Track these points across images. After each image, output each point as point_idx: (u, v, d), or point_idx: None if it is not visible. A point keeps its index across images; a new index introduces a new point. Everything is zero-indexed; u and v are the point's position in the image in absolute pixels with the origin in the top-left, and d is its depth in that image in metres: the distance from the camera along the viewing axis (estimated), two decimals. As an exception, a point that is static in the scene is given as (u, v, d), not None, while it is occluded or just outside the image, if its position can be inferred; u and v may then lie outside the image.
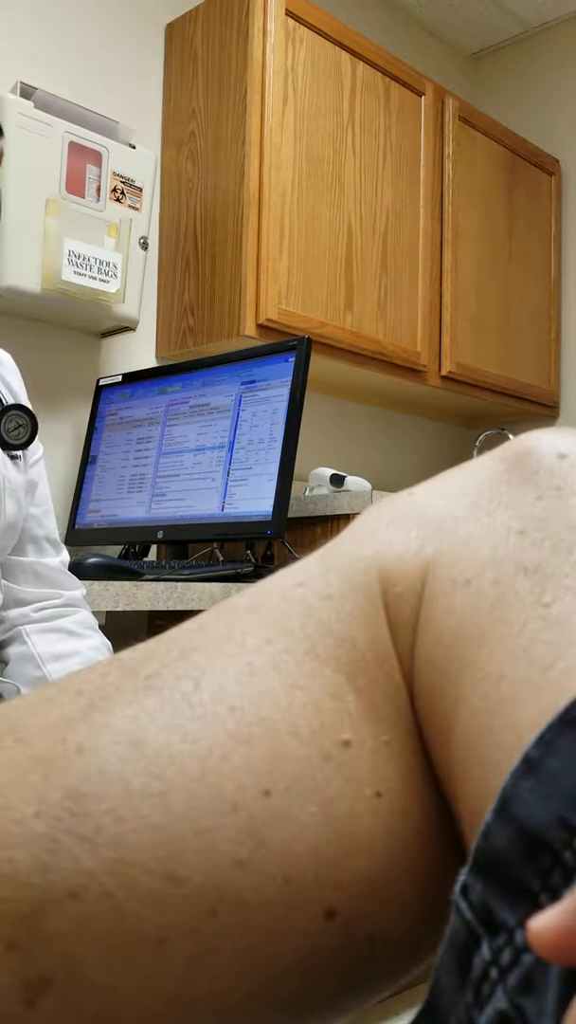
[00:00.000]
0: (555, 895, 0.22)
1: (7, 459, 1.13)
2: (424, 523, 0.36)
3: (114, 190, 1.96)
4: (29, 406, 1.18)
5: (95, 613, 1.30)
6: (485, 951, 0.23)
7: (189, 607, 1.57)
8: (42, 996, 0.27)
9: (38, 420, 1.17)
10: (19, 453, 1.15)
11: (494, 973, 0.23)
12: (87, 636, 1.20)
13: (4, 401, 1.17)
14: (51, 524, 1.24)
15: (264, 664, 0.32)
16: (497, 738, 0.29)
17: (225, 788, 0.29)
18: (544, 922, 0.20)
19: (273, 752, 0.30)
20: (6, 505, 1.10)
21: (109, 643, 1.23)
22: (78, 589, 1.25)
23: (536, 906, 0.23)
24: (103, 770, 0.29)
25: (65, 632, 1.18)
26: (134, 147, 2.02)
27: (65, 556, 1.26)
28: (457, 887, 0.25)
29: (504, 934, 0.23)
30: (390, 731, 0.32)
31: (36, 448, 1.21)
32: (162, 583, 1.54)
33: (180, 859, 0.28)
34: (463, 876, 0.25)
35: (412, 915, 0.31)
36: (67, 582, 1.24)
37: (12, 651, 1.16)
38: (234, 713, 0.31)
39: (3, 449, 1.12)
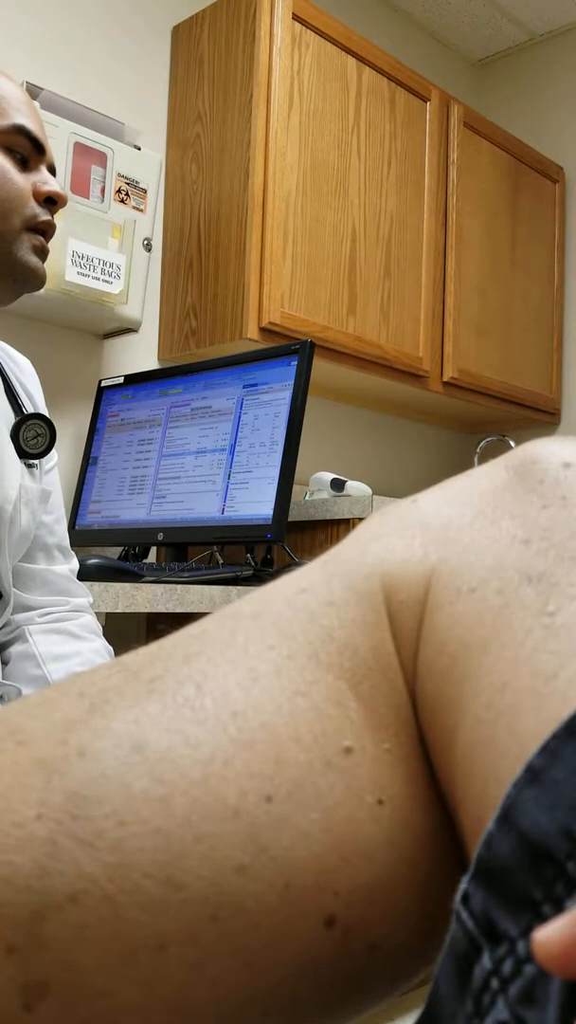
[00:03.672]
0: (558, 905, 0.22)
1: (24, 468, 1.13)
2: (428, 531, 0.35)
3: (118, 191, 1.96)
4: (47, 414, 1.18)
5: (94, 614, 1.30)
6: (486, 961, 0.23)
7: (188, 610, 1.57)
8: (41, 1001, 0.27)
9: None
10: (36, 462, 1.15)
11: (495, 983, 0.23)
12: (89, 639, 1.20)
13: (24, 409, 1.17)
14: (62, 531, 1.25)
15: (266, 670, 0.32)
16: (500, 747, 0.28)
17: (227, 793, 0.29)
18: (549, 934, 0.20)
19: (275, 758, 0.30)
20: (22, 515, 1.10)
21: (111, 648, 1.23)
22: (85, 597, 1.25)
23: (538, 916, 0.23)
24: (105, 774, 0.29)
25: (67, 634, 1.18)
26: (139, 148, 2.02)
27: (75, 564, 1.26)
28: (458, 895, 0.25)
29: (506, 944, 0.23)
30: (392, 738, 0.32)
31: (51, 457, 1.21)
32: (162, 585, 1.54)
33: (181, 864, 0.28)
34: (464, 884, 0.25)
35: (413, 923, 0.31)
36: (75, 590, 1.24)
37: (14, 649, 1.16)
38: (236, 718, 0.31)
39: (21, 458, 1.12)
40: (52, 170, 1.10)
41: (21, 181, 1.05)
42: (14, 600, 1.16)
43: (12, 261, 1.05)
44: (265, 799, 0.29)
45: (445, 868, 0.32)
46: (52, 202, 1.08)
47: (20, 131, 1.05)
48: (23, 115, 1.05)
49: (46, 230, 1.07)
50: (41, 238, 1.07)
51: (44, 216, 1.07)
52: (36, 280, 1.08)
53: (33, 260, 1.06)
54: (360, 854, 0.30)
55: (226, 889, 0.28)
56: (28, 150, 1.06)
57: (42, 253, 1.08)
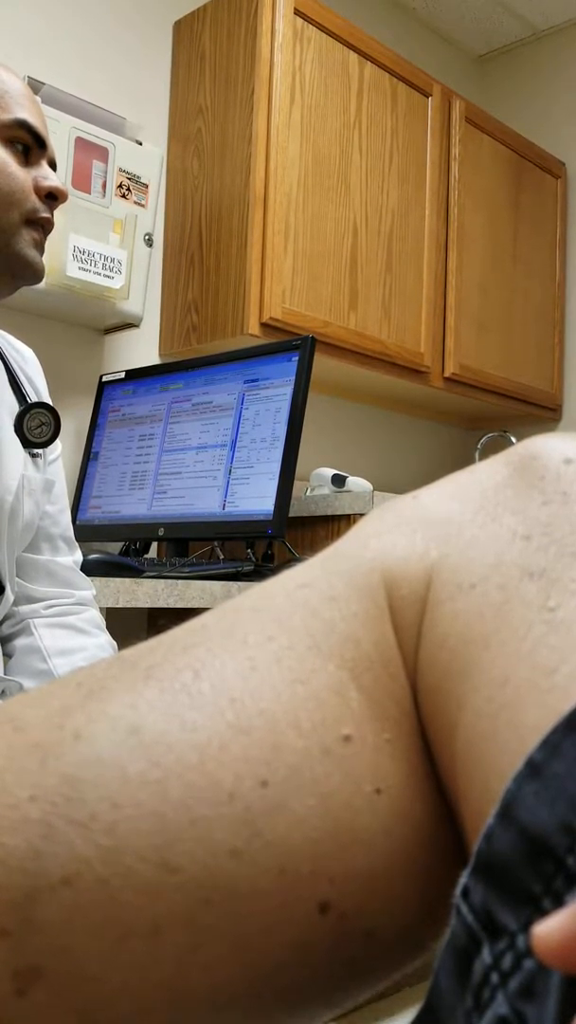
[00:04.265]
0: (558, 900, 0.22)
1: (28, 457, 1.13)
2: (429, 527, 0.35)
3: (120, 186, 1.96)
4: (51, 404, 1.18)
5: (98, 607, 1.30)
6: (486, 955, 0.23)
7: (189, 605, 1.57)
8: (33, 986, 0.27)
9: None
10: (40, 451, 1.15)
11: (495, 978, 0.23)
12: (94, 634, 1.20)
13: (28, 399, 1.17)
14: (66, 522, 1.25)
15: (266, 659, 0.32)
16: (501, 741, 0.28)
17: (223, 778, 0.29)
18: (548, 928, 0.20)
19: (272, 743, 0.30)
20: (24, 504, 1.10)
21: (115, 643, 1.23)
22: (89, 589, 1.25)
23: (538, 911, 0.23)
24: (100, 756, 0.29)
25: (73, 629, 1.18)
26: (141, 144, 2.02)
27: (78, 555, 1.26)
28: (458, 889, 0.25)
29: (506, 938, 0.23)
30: (392, 730, 0.32)
31: (55, 447, 1.21)
32: (162, 581, 1.54)
33: (176, 848, 0.28)
34: (464, 878, 0.25)
35: (409, 912, 0.31)
36: (79, 581, 1.24)
37: (19, 643, 1.16)
38: (234, 704, 0.31)
39: (25, 447, 1.12)
40: (53, 164, 1.10)
41: (22, 175, 1.05)
42: (18, 591, 1.16)
43: (11, 255, 1.05)
44: (261, 784, 0.29)
45: (444, 860, 0.32)
46: (53, 198, 1.08)
47: (22, 125, 1.04)
48: (25, 109, 1.05)
49: (45, 225, 1.07)
50: (39, 233, 1.07)
51: (44, 212, 1.07)
52: (34, 274, 1.08)
53: (31, 253, 1.06)
54: (356, 841, 0.30)
55: (220, 873, 0.28)
56: (30, 144, 1.06)
57: (40, 247, 1.08)
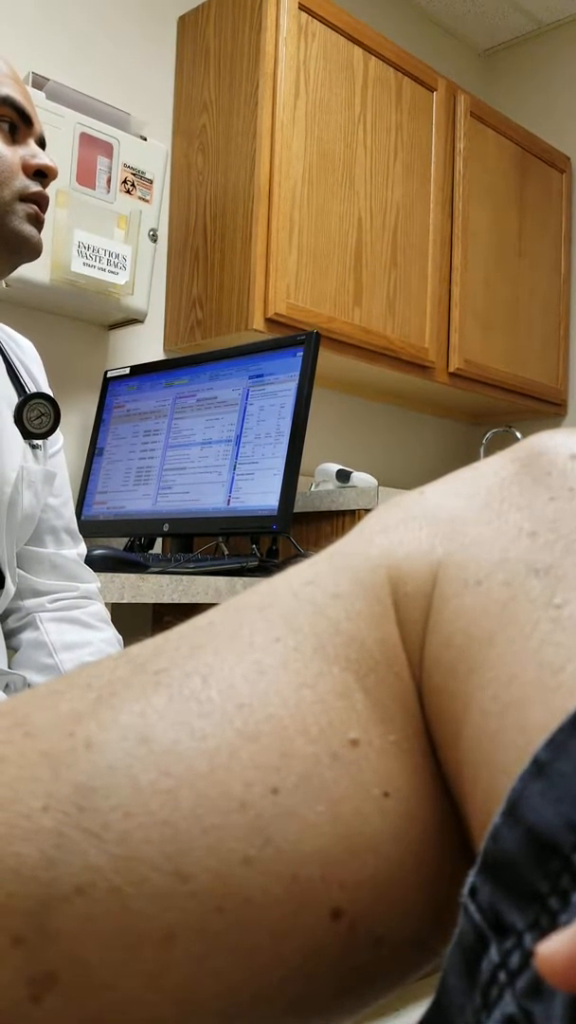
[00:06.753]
0: (564, 898, 0.22)
1: (28, 449, 1.12)
2: (435, 523, 0.35)
3: (124, 182, 1.96)
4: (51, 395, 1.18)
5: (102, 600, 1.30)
6: (493, 954, 0.23)
7: (194, 600, 1.57)
8: (47, 992, 0.27)
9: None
10: (40, 443, 1.15)
11: (503, 976, 0.23)
12: (100, 628, 1.20)
13: (27, 389, 1.16)
14: (69, 515, 1.24)
15: (272, 662, 0.32)
16: (506, 740, 0.28)
17: (233, 786, 0.29)
18: (553, 948, 0.19)
19: (281, 750, 0.30)
20: (24, 496, 1.10)
21: (120, 637, 1.23)
22: (94, 582, 1.25)
23: (545, 909, 0.23)
24: (112, 766, 0.29)
25: (79, 623, 1.18)
26: (145, 139, 2.02)
27: (83, 548, 1.26)
28: (465, 888, 0.25)
29: (513, 937, 0.23)
30: (398, 731, 0.32)
31: (56, 439, 1.20)
32: (167, 576, 1.55)
33: (188, 856, 0.28)
34: (471, 877, 0.25)
35: (419, 916, 0.31)
36: (83, 574, 1.24)
37: (25, 637, 1.16)
38: (242, 711, 0.31)
39: (24, 438, 1.11)
40: (42, 143, 1.09)
41: (9, 154, 1.04)
42: (23, 585, 1.16)
43: (6, 232, 1.04)
44: (271, 791, 0.29)
45: (451, 861, 0.32)
46: (42, 175, 1.07)
47: (5, 101, 1.04)
48: (8, 86, 1.05)
49: (38, 200, 1.07)
50: (35, 207, 1.06)
51: (35, 187, 1.06)
52: (31, 249, 1.07)
53: (27, 228, 1.05)
54: (366, 847, 0.30)
55: (232, 881, 0.28)
56: (15, 120, 1.05)
57: (37, 222, 1.06)
